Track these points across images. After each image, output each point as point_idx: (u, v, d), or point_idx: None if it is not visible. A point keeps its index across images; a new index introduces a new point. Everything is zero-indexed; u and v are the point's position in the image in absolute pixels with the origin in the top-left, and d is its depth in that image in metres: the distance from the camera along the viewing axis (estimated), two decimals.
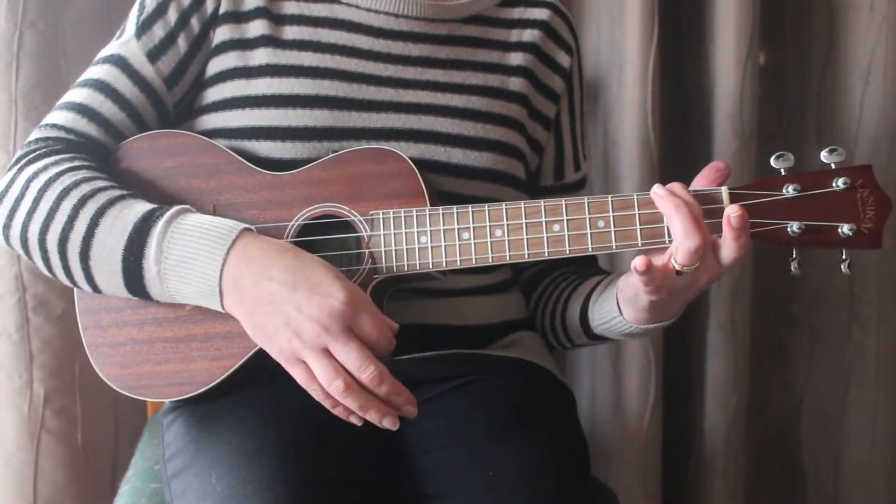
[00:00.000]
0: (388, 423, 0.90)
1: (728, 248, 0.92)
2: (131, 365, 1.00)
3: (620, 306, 1.03)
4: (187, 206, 0.96)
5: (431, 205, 0.99)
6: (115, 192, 0.97)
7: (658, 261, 0.94)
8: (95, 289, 0.98)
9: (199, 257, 0.92)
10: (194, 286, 0.93)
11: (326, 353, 0.89)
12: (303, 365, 0.90)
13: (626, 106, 1.56)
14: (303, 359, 0.90)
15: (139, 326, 1.00)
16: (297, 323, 0.89)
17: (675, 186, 0.94)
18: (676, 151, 1.66)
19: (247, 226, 0.95)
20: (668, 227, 0.95)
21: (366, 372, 0.88)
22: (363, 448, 1.01)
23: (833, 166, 0.95)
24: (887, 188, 0.96)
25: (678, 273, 0.93)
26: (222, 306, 0.93)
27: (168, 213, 0.94)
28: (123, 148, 1.05)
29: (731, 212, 0.90)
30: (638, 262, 0.91)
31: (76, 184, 0.97)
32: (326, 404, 0.91)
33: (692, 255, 0.91)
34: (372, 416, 0.90)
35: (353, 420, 0.91)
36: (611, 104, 1.59)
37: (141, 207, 0.95)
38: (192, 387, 1.00)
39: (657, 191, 0.94)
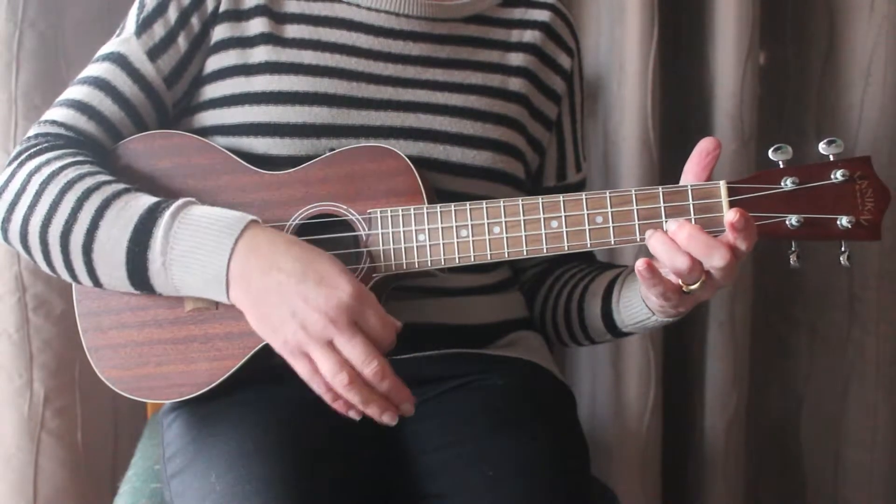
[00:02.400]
0: (388, 419, 0.91)
1: (740, 242, 0.91)
2: (132, 367, 1.00)
3: (649, 306, 1.03)
4: (193, 199, 0.96)
5: (429, 203, 0.99)
6: (120, 186, 0.97)
7: (667, 275, 0.95)
8: (97, 283, 0.97)
9: (205, 248, 0.92)
10: (200, 277, 0.93)
11: (331, 346, 0.89)
12: (306, 358, 0.90)
13: (626, 106, 1.56)
14: (307, 351, 0.90)
15: (139, 328, 1.00)
16: (304, 314, 0.89)
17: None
18: (676, 151, 1.65)
19: (254, 217, 0.95)
20: (664, 221, 0.95)
21: (370, 367, 0.88)
22: (363, 448, 1.00)
23: (831, 158, 0.95)
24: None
25: (686, 293, 0.94)
26: (227, 297, 0.93)
27: (175, 205, 0.94)
28: (119, 148, 1.04)
29: (730, 219, 0.89)
30: (640, 264, 0.91)
31: (80, 177, 0.97)
32: (327, 398, 0.91)
33: (688, 274, 0.91)
34: (372, 411, 0.90)
35: (352, 414, 0.92)
36: (611, 104, 1.59)
37: (146, 200, 0.95)
38: (192, 388, 1.00)
39: (647, 235, 0.94)
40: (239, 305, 0.93)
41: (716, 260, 0.90)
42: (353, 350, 0.89)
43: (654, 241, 0.92)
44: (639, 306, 1.05)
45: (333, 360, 0.89)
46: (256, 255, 0.91)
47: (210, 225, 0.93)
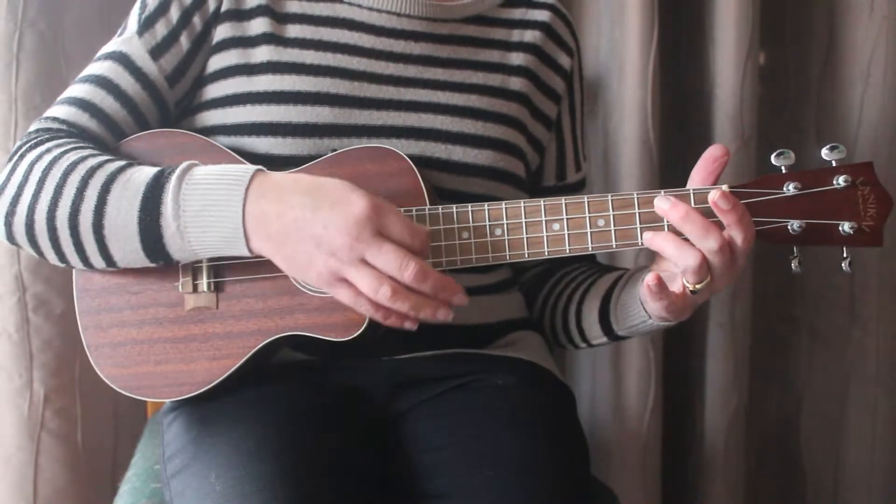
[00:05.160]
0: (443, 316, 0.91)
1: (734, 231, 0.92)
2: (131, 365, 1.00)
3: (647, 310, 1.03)
4: (195, 161, 0.96)
5: (431, 204, 0.99)
6: (122, 162, 0.97)
7: (673, 287, 0.95)
8: (110, 261, 0.97)
9: (218, 203, 0.91)
10: (217, 233, 0.92)
11: (365, 263, 0.89)
12: (345, 283, 0.90)
13: (626, 106, 1.56)
14: (343, 276, 0.89)
15: (139, 326, 1.00)
16: (328, 241, 0.88)
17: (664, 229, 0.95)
18: (676, 151, 1.66)
19: (259, 167, 0.94)
20: (667, 225, 0.95)
21: (407, 270, 0.88)
22: (363, 447, 1.01)
23: (834, 164, 0.95)
24: (887, 188, 0.96)
25: (693, 292, 0.94)
26: (249, 248, 0.92)
27: (179, 169, 0.94)
28: (123, 147, 1.04)
29: (713, 197, 0.91)
30: (650, 279, 0.92)
31: (82, 159, 0.96)
32: (378, 317, 0.91)
33: (697, 272, 0.92)
34: (425, 314, 0.90)
35: (408, 325, 0.92)
36: (611, 104, 1.59)
37: (150, 170, 0.95)
38: (192, 387, 1.00)
39: (645, 237, 0.95)
40: (263, 253, 0.93)
41: (711, 241, 0.91)
42: (386, 258, 0.88)
43: (659, 241, 0.93)
44: (636, 309, 1.04)
45: (372, 276, 0.88)
46: (268, 200, 0.91)
47: (217, 181, 0.92)
